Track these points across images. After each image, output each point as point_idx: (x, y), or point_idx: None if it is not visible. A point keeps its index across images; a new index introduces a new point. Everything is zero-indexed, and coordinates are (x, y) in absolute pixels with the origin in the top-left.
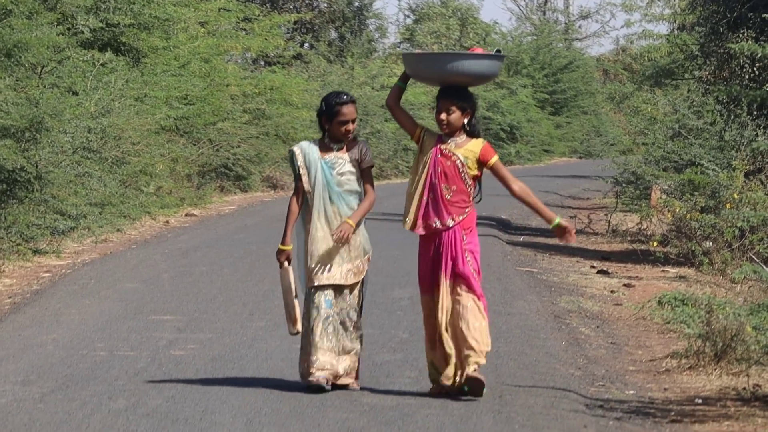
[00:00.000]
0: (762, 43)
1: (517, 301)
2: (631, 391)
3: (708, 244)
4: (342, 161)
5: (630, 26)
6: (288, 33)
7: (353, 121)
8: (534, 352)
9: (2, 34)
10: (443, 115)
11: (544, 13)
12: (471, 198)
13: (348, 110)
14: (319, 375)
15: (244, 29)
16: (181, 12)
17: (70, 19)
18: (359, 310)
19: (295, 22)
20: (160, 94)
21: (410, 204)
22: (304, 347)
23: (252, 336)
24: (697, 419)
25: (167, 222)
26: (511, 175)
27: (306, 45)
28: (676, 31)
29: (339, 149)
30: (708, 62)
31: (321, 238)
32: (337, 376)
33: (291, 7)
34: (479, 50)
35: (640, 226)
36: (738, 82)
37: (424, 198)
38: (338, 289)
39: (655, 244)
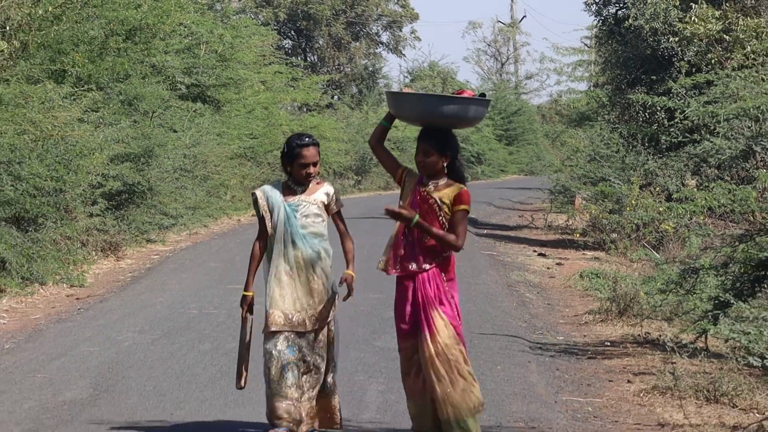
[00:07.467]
0: (651, 95)
1: (481, 275)
2: (561, 337)
3: (614, 235)
4: (306, 204)
5: (560, 84)
6: (323, 88)
7: (314, 164)
8: (493, 310)
9: (126, 90)
10: (420, 157)
11: (501, 75)
12: None
13: (309, 153)
14: (280, 426)
15: (292, 86)
16: (248, 74)
17: (171, 79)
18: (329, 354)
19: (327, 81)
20: (233, 131)
21: (387, 245)
22: (267, 391)
23: None
24: (606, 356)
25: (239, 220)
26: (463, 233)
27: (335, 97)
28: (592, 87)
29: (302, 192)
30: (614, 109)
31: (282, 282)
32: (299, 423)
33: (325, 70)
34: (468, 93)
35: (567, 222)
36: (635, 123)
37: (401, 238)
38: (300, 335)
39: (577, 235)
